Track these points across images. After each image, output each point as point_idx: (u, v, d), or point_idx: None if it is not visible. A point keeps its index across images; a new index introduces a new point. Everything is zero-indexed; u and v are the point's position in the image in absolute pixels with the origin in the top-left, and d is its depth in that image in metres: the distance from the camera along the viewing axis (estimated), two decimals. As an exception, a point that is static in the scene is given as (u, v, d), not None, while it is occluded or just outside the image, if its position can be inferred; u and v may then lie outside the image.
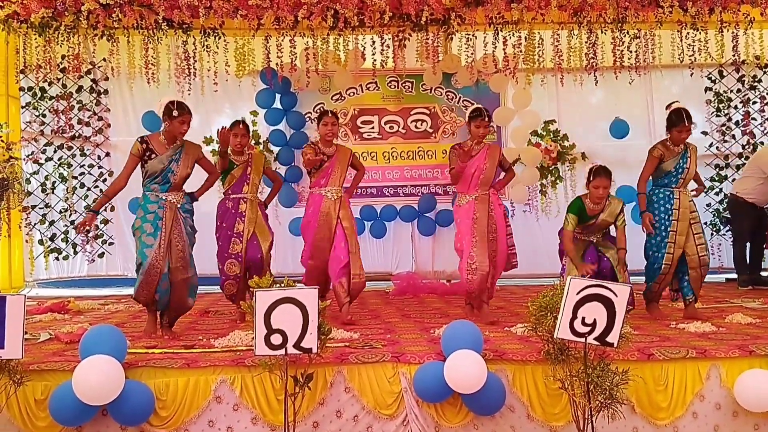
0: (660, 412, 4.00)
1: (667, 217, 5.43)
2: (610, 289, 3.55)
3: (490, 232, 5.46)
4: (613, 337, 3.54)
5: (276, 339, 3.56)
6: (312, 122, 8.73)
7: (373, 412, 3.96)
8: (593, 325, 3.54)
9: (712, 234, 8.90)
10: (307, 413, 3.90)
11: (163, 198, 4.96)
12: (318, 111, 5.99)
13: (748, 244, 7.77)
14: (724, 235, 8.85)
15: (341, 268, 5.56)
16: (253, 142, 8.47)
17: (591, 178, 5.28)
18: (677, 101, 5.72)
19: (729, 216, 8.17)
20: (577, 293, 3.55)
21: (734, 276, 7.91)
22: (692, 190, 5.74)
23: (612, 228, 5.46)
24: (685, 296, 5.52)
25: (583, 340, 3.55)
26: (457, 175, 5.58)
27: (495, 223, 5.52)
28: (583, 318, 3.54)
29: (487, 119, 5.60)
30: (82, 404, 3.60)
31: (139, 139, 5.00)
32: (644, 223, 5.42)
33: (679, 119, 5.39)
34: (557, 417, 3.96)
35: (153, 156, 4.94)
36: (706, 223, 8.81)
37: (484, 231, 5.43)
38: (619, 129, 8.54)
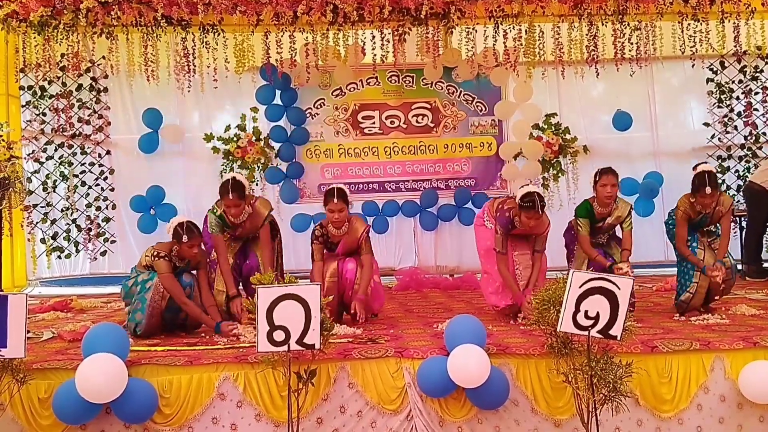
0: (664, 405, 3.99)
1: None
2: (613, 282, 3.54)
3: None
4: (616, 330, 3.53)
5: (278, 335, 3.55)
6: (312, 118, 8.75)
7: (377, 408, 3.95)
8: (596, 318, 3.53)
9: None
10: (311, 409, 3.90)
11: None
12: (326, 191, 5.32)
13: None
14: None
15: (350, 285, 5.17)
16: (254, 138, 8.52)
17: (597, 178, 5.25)
18: (705, 162, 5.52)
19: (746, 205, 8.02)
20: (580, 286, 3.54)
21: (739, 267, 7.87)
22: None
23: (617, 229, 5.43)
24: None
25: (586, 333, 3.55)
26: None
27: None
28: (586, 311, 3.54)
29: (539, 210, 4.94)
30: (86, 402, 3.60)
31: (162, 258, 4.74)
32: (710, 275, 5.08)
33: (701, 185, 5.05)
34: (561, 410, 3.96)
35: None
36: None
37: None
38: (622, 121, 8.53)
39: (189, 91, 7.89)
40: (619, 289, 3.52)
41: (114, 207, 8.52)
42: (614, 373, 3.54)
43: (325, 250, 5.25)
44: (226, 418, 3.90)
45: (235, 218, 5.12)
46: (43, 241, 8.48)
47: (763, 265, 7.70)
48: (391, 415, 3.95)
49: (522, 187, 5.14)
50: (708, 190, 4.99)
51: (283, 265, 5.70)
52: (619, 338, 3.57)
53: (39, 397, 3.82)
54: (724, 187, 8.93)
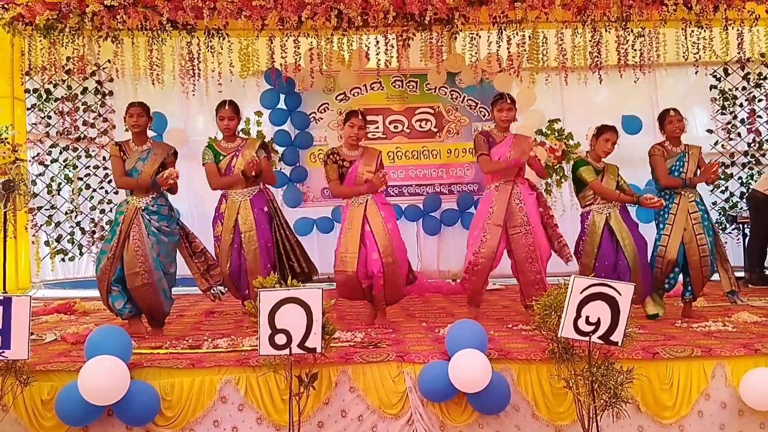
0: (665, 411, 4.01)
1: (667, 215, 5.47)
2: (614, 288, 3.56)
3: (517, 225, 5.28)
4: (617, 336, 3.54)
5: (280, 339, 3.57)
6: (316, 122, 8.78)
7: (378, 412, 3.97)
8: (597, 323, 3.55)
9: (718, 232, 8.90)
10: (312, 413, 3.92)
11: (127, 201, 5.06)
12: (345, 110, 5.60)
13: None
14: (731, 233, 8.84)
15: (378, 282, 5.32)
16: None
17: (599, 133, 5.47)
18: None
19: (749, 212, 8.09)
20: (581, 292, 3.55)
21: (740, 274, 7.87)
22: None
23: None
24: (683, 295, 5.55)
25: (587, 339, 3.56)
26: (486, 160, 5.36)
27: (527, 215, 5.30)
28: (587, 317, 3.55)
29: (510, 102, 5.40)
30: (88, 404, 3.62)
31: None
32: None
33: (665, 112, 5.60)
34: (562, 416, 3.97)
35: (126, 158, 5.12)
36: (712, 222, 8.83)
37: (498, 225, 5.25)
38: (632, 125, 8.52)
39: (194, 95, 7.98)
40: (621, 294, 3.54)
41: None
42: (615, 379, 3.56)
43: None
44: (227, 422, 3.92)
45: (228, 132, 5.49)
46: (47, 243, 8.53)
47: (766, 273, 7.71)
48: (392, 420, 3.96)
49: None
50: (672, 112, 5.54)
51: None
52: (620, 344, 3.58)
53: (42, 398, 3.84)
54: (727, 194, 8.96)
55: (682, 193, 5.46)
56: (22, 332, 3.55)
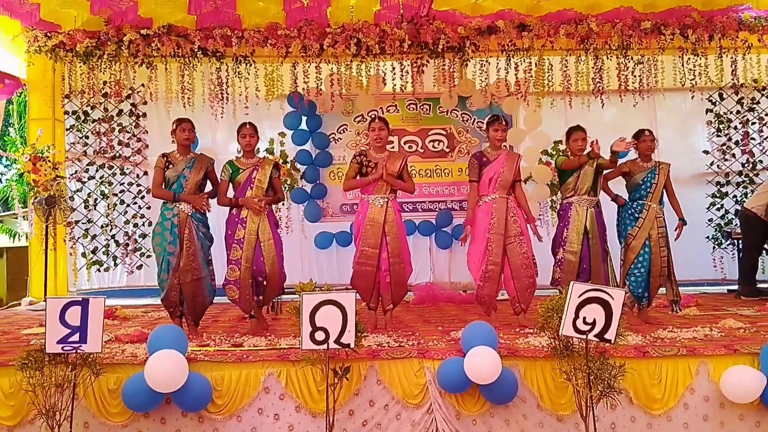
0: (655, 404, 4.48)
1: (633, 224, 6.01)
2: (607, 293, 4.08)
3: (512, 235, 5.77)
4: (610, 335, 4.05)
5: (319, 335, 4.09)
6: (336, 143, 9.32)
7: (402, 402, 4.46)
8: (593, 323, 4.06)
9: (714, 248, 9.37)
10: (344, 402, 4.41)
11: (177, 206, 5.67)
12: (370, 117, 6.05)
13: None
14: (726, 248, 9.30)
15: (384, 279, 5.81)
16: (281, 161, 9.02)
17: (569, 136, 6.13)
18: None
19: (741, 229, 8.43)
20: (579, 296, 4.08)
21: (735, 287, 8.30)
22: (675, 229, 6.20)
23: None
24: (641, 301, 6.03)
25: (584, 336, 4.08)
26: (473, 188, 5.94)
27: (520, 226, 5.81)
28: (585, 317, 4.06)
29: (503, 123, 5.92)
30: (152, 392, 4.14)
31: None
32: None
33: (640, 132, 6.16)
34: (564, 407, 4.46)
35: (170, 167, 5.75)
36: (708, 238, 9.31)
37: (501, 234, 5.74)
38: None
39: (222, 117, 8.50)
40: (613, 299, 4.06)
41: (150, 224, 9.00)
42: (609, 372, 4.06)
43: (358, 176, 5.91)
44: (270, 409, 4.43)
45: (249, 148, 5.90)
46: (84, 255, 9.05)
47: (758, 286, 8.11)
48: (414, 409, 4.46)
49: None
50: (647, 132, 6.13)
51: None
52: (613, 341, 4.08)
53: (108, 388, 4.35)
54: (722, 212, 9.43)
55: (651, 205, 5.99)
56: (96, 329, 4.06)
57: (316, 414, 4.40)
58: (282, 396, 4.45)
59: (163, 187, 5.74)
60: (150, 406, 4.28)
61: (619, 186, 6.35)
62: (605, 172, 6.11)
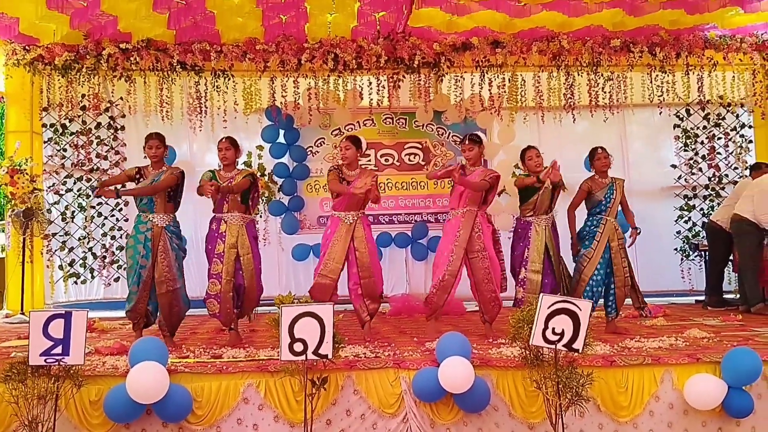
0: (621, 411, 4.64)
1: (592, 238, 6.19)
2: (575, 305, 4.24)
3: (476, 251, 5.99)
4: (578, 344, 4.21)
5: (298, 346, 4.20)
6: (313, 155, 9.43)
7: (378, 411, 4.58)
8: (562, 334, 4.22)
9: (682, 259, 9.60)
10: (322, 412, 4.52)
11: (151, 219, 5.84)
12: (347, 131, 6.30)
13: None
14: (693, 259, 9.54)
15: (356, 292, 6.06)
16: (259, 174, 9.11)
17: (522, 156, 6.37)
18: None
19: (707, 241, 8.63)
20: (548, 307, 4.24)
21: (702, 298, 8.50)
22: (629, 236, 6.41)
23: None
24: (608, 313, 6.23)
25: (553, 346, 4.24)
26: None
27: (483, 242, 6.01)
28: (554, 328, 4.22)
29: (468, 143, 6.21)
30: (133, 403, 4.23)
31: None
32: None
33: (594, 150, 6.38)
34: (534, 415, 4.60)
35: (141, 179, 5.95)
36: (676, 249, 9.56)
37: (462, 247, 5.96)
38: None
39: (200, 131, 8.60)
40: (581, 310, 4.22)
41: (128, 236, 9.03)
42: (577, 381, 4.22)
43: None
44: (249, 419, 4.54)
45: (226, 161, 6.08)
46: (61, 267, 9.05)
47: (723, 297, 8.34)
48: (389, 418, 4.58)
49: None
50: (600, 150, 6.32)
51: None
52: (580, 351, 4.24)
53: (90, 399, 4.42)
54: (690, 224, 9.67)
55: (609, 219, 6.18)
56: (79, 342, 4.14)
57: (294, 424, 4.51)
58: (261, 406, 4.56)
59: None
60: (131, 417, 4.36)
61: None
62: (573, 199, 6.38)
